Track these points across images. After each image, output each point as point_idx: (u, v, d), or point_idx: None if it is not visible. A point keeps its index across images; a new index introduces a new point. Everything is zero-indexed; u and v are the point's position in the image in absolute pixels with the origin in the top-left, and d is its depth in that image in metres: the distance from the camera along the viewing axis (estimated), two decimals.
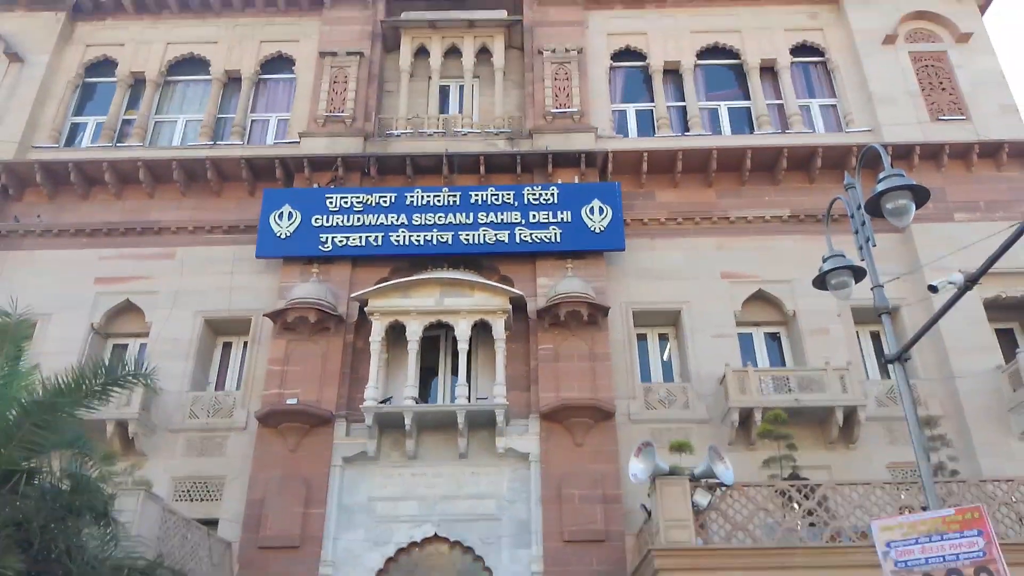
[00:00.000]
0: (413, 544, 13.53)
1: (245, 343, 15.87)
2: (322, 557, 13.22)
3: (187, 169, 16.92)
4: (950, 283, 7.63)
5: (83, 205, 17.03)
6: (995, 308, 15.43)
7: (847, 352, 15.07)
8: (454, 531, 13.60)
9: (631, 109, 18.65)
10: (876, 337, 15.77)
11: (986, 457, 13.72)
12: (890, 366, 8.78)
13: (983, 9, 19.36)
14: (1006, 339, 15.68)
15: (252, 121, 18.64)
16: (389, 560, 13.43)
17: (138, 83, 18.98)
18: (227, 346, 16.32)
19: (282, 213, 15.99)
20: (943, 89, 18.00)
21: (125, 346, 16.15)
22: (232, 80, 19.02)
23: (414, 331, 14.59)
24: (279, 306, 15.00)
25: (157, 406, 14.68)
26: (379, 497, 13.94)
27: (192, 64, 19.19)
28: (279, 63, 19.21)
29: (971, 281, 7.43)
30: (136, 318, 15.96)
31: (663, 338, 16.22)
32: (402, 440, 14.09)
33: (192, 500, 14.08)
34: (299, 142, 17.35)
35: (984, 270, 7.36)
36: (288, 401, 14.12)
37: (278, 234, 15.85)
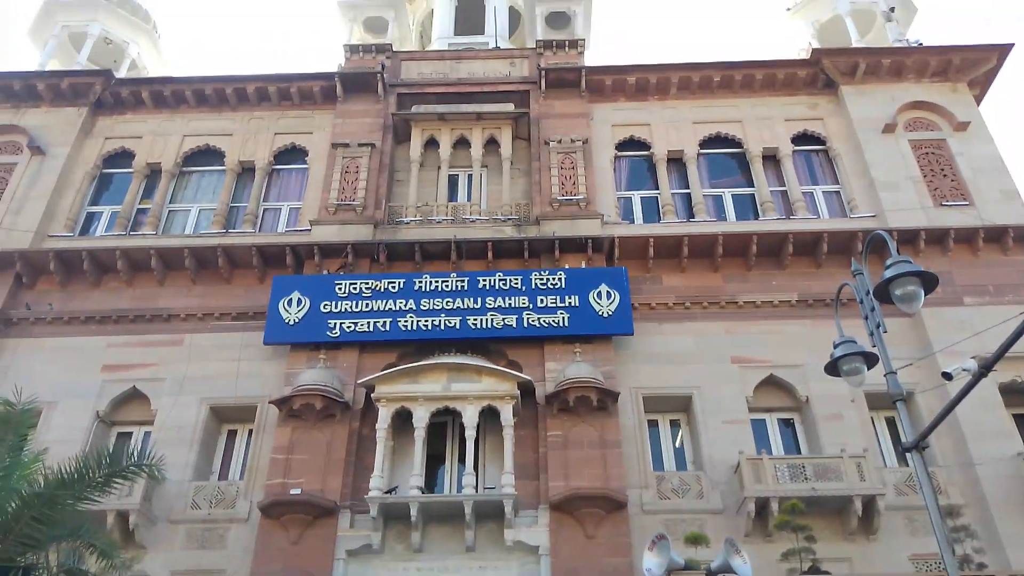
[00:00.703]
0: None
1: (250, 431, 15.67)
2: None
3: (198, 256, 17.12)
4: (964, 370, 7.55)
5: (94, 293, 17.18)
6: (1011, 393, 15.19)
7: (863, 438, 14.77)
8: None
9: (636, 196, 18.94)
10: (891, 422, 15.50)
11: (1013, 548, 13.23)
12: (908, 454, 8.59)
13: (979, 100, 19.86)
14: None
15: (264, 210, 18.98)
16: None
17: (154, 173, 19.45)
18: (232, 434, 16.12)
19: (291, 299, 16.08)
20: (944, 175, 18.25)
21: (129, 434, 15.98)
22: (246, 170, 19.47)
23: (421, 417, 14.41)
24: (285, 393, 14.89)
25: (159, 496, 14.40)
26: None
27: (207, 155, 19.70)
28: (292, 154, 19.69)
29: (985, 368, 7.35)
30: (142, 406, 15.84)
31: (674, 424, 15.96)
32: (408, 532, 13.71)
33: None
34: (310, 230, 17.61)
35: (998, 356, 7.27)
36: (292, 491, 13.82)
37: (286, 320, 15.89)
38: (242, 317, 16.63)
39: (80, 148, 19.53)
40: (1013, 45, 19.44)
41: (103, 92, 20.02)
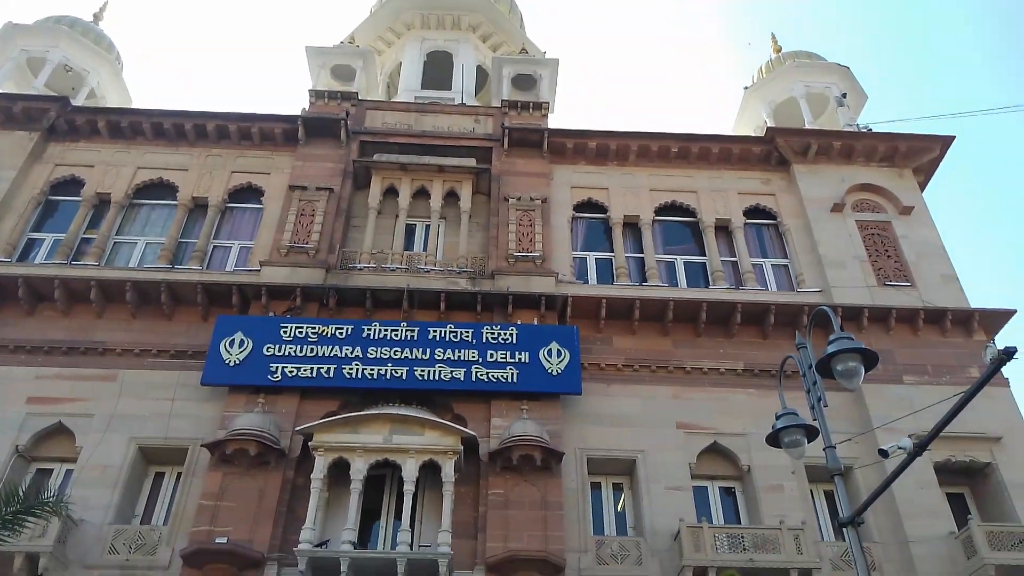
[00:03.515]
0: None
1: (179, 474, 15.03)
2: None
3: (140, 290, 16.62)
4: (900, 448, 7.63)
5: (27, 321, 16.50)
6: (946, 472, 15.46)
7: (802, 511, 14.81)
8: None
9: (591, 257, 19.11)
10: (830, 496, 15.58)
11: None
12: (844, 529, 8.59)
13: (923, 186, 20.67)
14: (957, 504, 15.58)
15: (214, 247, 18.62)
16: None
17: (103, 204, 19.01)
18: (159, 476, 15.43)
19: (233, 340, 15.65)
20: (888, 256, 18.83)
21: (50, 471, 15.21)
22: (198, 206, 19.14)
23: (359, 469, 13.99)
24: (219, 436, 14.37)
25: (75, 539, 13.60)
26: None
27: (159, 188, 19.34)
28: (247, 193, 19.45)
29: (920, 447, 7.43)
30: (66, 442, 15.11)
31: (617, 488, 15.81)
32: None
33: None
34: (259, 270, 17.29)
35: (932, 437, 7.39)
36: (217, 540, 13.20)
37: (227, 361, 15.44)
38: (181, 355, 16.11)
39: (27, 173, 19.01)
40: (955, 137, 20.43)
41: (57, 119, 19.62)
